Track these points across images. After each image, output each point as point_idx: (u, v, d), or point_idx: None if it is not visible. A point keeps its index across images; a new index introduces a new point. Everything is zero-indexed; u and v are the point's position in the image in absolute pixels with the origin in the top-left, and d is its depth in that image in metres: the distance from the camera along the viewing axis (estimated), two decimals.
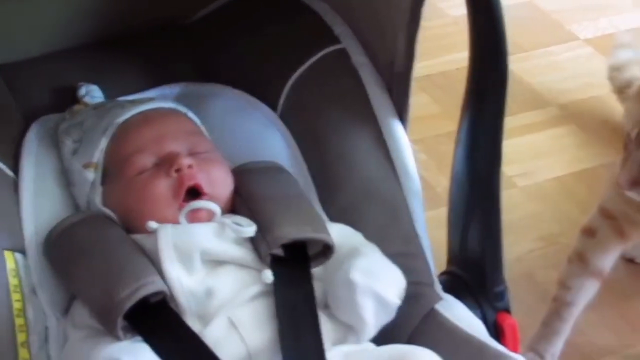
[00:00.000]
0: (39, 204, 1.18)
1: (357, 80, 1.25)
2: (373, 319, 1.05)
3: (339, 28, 1.29)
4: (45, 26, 1.29)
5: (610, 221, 1.45)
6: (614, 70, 1.99)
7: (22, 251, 1.13)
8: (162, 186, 1.13)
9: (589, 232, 1.49)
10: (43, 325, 1.09)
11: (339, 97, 1.26)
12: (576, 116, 2.04)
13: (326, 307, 1.11)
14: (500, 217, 1.17)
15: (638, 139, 1.25)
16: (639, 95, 1.30)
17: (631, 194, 1.29)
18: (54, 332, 1.09)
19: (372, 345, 1.08)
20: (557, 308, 1.50)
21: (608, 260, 1.48)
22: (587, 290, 1.49)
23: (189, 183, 1.12)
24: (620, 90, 1.94)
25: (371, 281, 1.04)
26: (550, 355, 1.51)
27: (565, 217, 1.78)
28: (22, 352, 1.04)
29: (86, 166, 1.19)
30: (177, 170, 1.12)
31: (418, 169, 1.28)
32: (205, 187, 1.14)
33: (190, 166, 1.13)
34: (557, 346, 1.51)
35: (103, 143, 1.19)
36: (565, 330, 1.50)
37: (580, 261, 1.49)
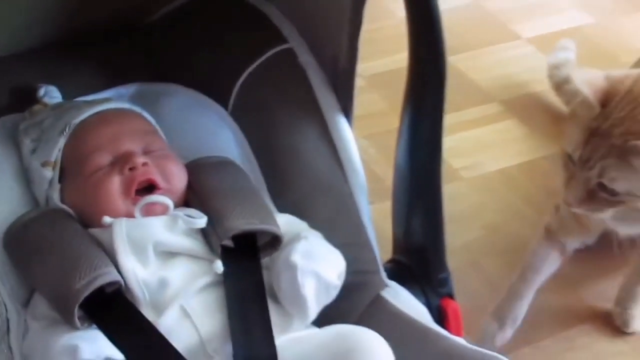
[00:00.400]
0: None
1: (304, 78, 1.25)
2: (314, 299, 1.05)
3: (286, 28, 1.29)
4: (4, 29, 1.28)
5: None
6: (553, 69, 2.02)
7: None
8: (116, 183, 1.14)
9: (557, 210, 1.52)
10: (4, 318, 1.09)
11: (286, 95, 1.27)
12: (519, 111, 2.06)
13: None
14: (442, 206, 1.19)
15: (581, 161, 1.26)
16: (576, 118, 1.30)
17: (579, 211, 1.31)
18: (14, 323, 1.09)
19: (317, 329, 1.09)
20: (524, 272, 1.53)
21: (571, 241, 1.51)
22: (551, 262, 1.53)
23: (141, 179, 1.13)
24: (558, 87, 1.99)
25: (311, 262, 1.06)
26: (512, 320, 1.54)
27: (508, 207, 1.80)
28: None
29: (44, 165, 1.19)
30: (132, 169, 1.13)
31: (368, 163, 1.29)
32: (160, 182, 1.14)
33: (144, 164, 1.14)
34: (519, 311, 1.54)
35: (61, 142, 1.19)
36: (528, 296, 1.53)
37: (549, 233, 1.52)
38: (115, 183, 1.13)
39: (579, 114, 1.29)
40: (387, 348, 1.00)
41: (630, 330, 1.53)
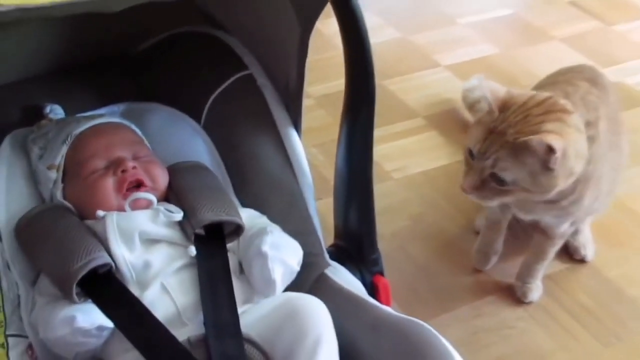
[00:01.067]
0: (11, 198, 1.18)
1: (261, 98, 1.26)
2: (281, 281, 1.07)
3: (247, 57, 1.29)
4: (18, 57, 1.28)
5: None
6: (467, 92, 2.03)
7: None
8: (110, 182, 1.14)
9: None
10: (15, 294, 1.08)
11: (248, 112, 1.27)
12: (438, 124, 2.06)
13: (239, 273, 1.11)
14: (373, 201, 1.20)
15: (479, 153, 1.26)
16: (479, 121, 1.31)
17: (472, 197, 1.31)
18: (24, 299, 1.08)
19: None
20: (489, 224, 1.57)
21: (497, 216, 1.56)
22: (496, 230, 1.58)
23: (131, 179, 1.14)
24: (471, 106, 2.00)
25: (279, 252, 1.06)
26: (494, 252, 1.59)
27: (429, 202, 1.81)
28: None
29: (50, 167, 1.19)
30: (123, 171, 1.14)
31: (316, 167, 1.29)
32: (146, 182, 1.15)
33: (134, 167, 1.14)
34: (497, 246, 1.59)
35: (63, 150, 1.19)
36: (500, 235, 1.58)
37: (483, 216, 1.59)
38: (109, 182, 1.13)
39: (481, 117, 1.31)
40: (324, 309, 1.02)
41: (527, 300, 1.54)
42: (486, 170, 1.25)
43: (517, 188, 1.25)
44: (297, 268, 1.09)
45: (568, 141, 1.22)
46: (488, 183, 1.27)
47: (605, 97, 1.45)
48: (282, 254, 1.07)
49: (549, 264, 1.56)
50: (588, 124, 1.32)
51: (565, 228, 1.47)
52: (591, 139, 1.31)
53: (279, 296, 1.07)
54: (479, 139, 1.26)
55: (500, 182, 1.25)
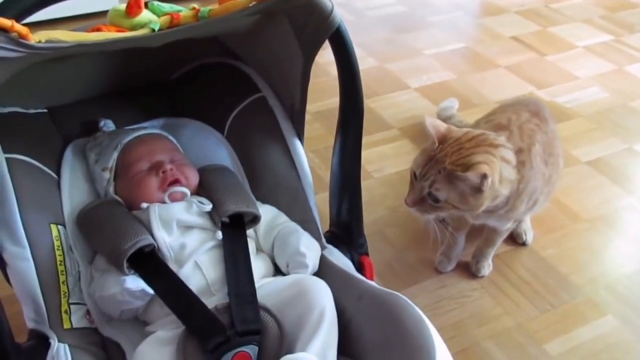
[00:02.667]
0: (73, 194, 1.18)
1: (272, 115, 1.25)
2: (310, 271, 1.09)
3: (260, 83, 1.29)
4: (78, 82, 1.28)
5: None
6: (441, 111, 2.05)
7: (63, 224, 1.12)
8: (153, 181, 1.15)
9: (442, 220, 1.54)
10: (77, 271, 1.09)
11: (261, 126, 1.26)
12: (409, 134, 2.06)
13: (256, 254, 1.11)
14: (360, 195, 1.20)
15: (420, 175, 1.27)
16: (423, 150, 1.31)
17: (412, 210, 1.31)
18: (84, 274, 1.09)
19: (282, 277, 1.11)
20: (451, 232, 1.53)
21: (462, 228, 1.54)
22: (462, 230, 1.55)
23: (171, 178, 1.14)
24: (444, 121, 1.95)
25: (311, 251, 1.10)
26: (455, 255, 1.56)
27: (402, 196, 1.75)
28: (63, 287, 1.04)
29: (104, 170, 1.19)
30: (163, 172, 1.14)
31: (314, 168, 1.29)
32: (182, 180, 1.16)
33: (171, 169, 1.15)
34: (457, 251, 1.56)
35: (115, 155, 1.19)
36: (460, 243, 1.56)
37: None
38: (153, 180, 1.15)
39: (425, 147, 1.31)
40: (327, 289, 1.02)
41: (480, 275, 1.55)
42: (425, 189, 1.25)
43: (448, 205, 1.26)
44: (318, 262, 1.12)
45: (493, 169, 1.23)
46: (426, 200, 1.27)
47: (544, 126, 1.44)
48: (313, 253, 1.11)
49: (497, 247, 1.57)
50: (520, 151, 1.32)
51: (508, 226, 1.48)
52: (521, 163, 1.31)
53: (290, 277, 1.08)
54: (421, 164, 1.27)
55: (435, 200, 1.25)
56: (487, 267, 1.56)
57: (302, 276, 1.07)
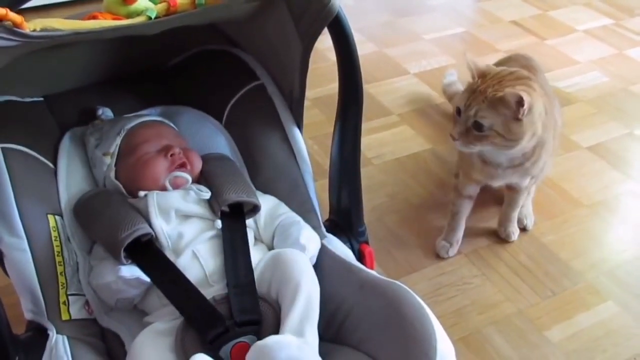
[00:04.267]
0: (70, 184, 1.16)
1: (271, 103, 1.24)
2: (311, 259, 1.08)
3: (259, 70, 1.28)
4: (74, 70, 1.27)
5: (461, 170, 1.53)
6: (446, 87, 2.07)
7: (60, 214, 1.11)
8: (162, 162, 1.14)
9: (456, 176, 1.58)
10: (75, 261, 1.08)
11: (260, 114, 1.25)
12: (408, 120, 2.06)
13: (254, 244, 1.10)
14: (360, 183, 1.19)
15: (465, 106, 1.32)
16: (466, 88, 1.36)
17: (458, 144, 1.35)
18: (82, 265, 1.08)
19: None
20: (453, 214, 1.56)
21: (471, 189, 1.54)
22: (465, 205, 1.56)
23: (179, 161, 1.14)
24: (450, 97, 2.03)
25: (311, 243, 1.09)
26: (455, 241, 1.57)
27: (401, 182, 1.81)
28: (61, 279, 1.03)
29: (105, 154, 1.18)
30: (172, 155, 1.14)
31: (312, 155, 1.28)
32: (187, 165, 1.15)
33: (180, 153, 1.15)
34: (458, 236, 1.58)
35: (117, 140, 1.18)
36: (460, 227, 1.57)
37: (456, 190, 1.56)
38: (161, 162, 1.14)
39: (467, 85, 1.36)
40: (303, 260, 1.04)
41: (511, 240, 1.61)
42: (470, 119, 1.30)
43: (492, 133, 1.30)
44: (316, 254, 1.11)
45: (533, 99, 1.28)
46: (471, 131, 1.31)
47: (538, 78, 1.48)
48: (313, 245, 1.09)
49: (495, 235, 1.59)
50: None
51: (527, 182, 1.51)
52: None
53: (269, 253, 1.08)
54: (466, 97, 1.33)
55: (480, 128, 1.30)
56: (516, 231, 1.61)
57: (276, 251, 1.07)
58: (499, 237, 1.61)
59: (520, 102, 1.24)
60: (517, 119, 1.27)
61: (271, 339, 0.90)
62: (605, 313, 1.42)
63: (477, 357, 1.32)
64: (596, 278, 1.51)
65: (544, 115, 1.33)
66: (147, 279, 1.00)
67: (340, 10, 0.99)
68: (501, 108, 1.27)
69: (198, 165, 1.17)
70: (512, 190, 1.53)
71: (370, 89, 2.17)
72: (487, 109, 1.28)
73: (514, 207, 1.57)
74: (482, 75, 1.33)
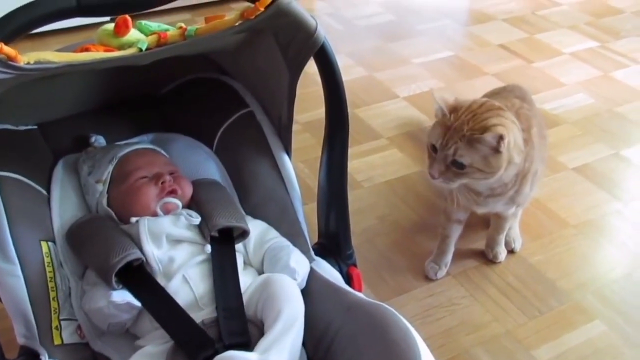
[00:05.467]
0: (63, 210, 1.18)
1: (260, 129, 1.26)
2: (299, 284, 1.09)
3: (248, 98, 1.29)
4: (67, 98, 1.28)
5: (449, 196, 1.53)
6: (438, 111, 2.03)
7: (53, 240, 1.12)
8: (152, 189, 1.16)
9: (446, 199, 1.58)
10: (67, 286, 1.09)
11: (249, 140, 1.26)
12: (397, 143, 2.07)
13: (243, 268, 1.12)
14: (347, 207, 1.21)
15: (441, 145, 1.31)
16: (436, 123, 1.36)
17: (438, 181, 1.34)
18: (74, 290, 1.09)
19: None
20: (443, 237, 1.57)
21: (460, 214, 1.55)
22: (455, 229, 1.57)
23: (169, 188, 1.16)
24: None
25: (301, 267, 1.10)
26: (444, 264, 1.58)
27: (391, 205, 1.82)
28: (53, 304, 1.05)
29: (97, 182, 1.19)
30: (162, 182, 1.16)
31: (303, 178, 1.29)
32: (178, 191, 1.17)
33: (170, 180, 1.16)
34: (447, 259, 1.58)
35: (109, 168, 1.20)
36: (450, 250, 1.58)
37: (446, 214, 1.57)
38: (152, 189, 1.16)
39: (438, 120, 1.36)
40: (293, 283, 1.06)
41: (498, 260, 1.62)
42: (449, 157, 1.30)
43: (472, 170, 1.30)
44: (305, 278, 1.11)
45: (509, 130, 1.29)
46: (450, 168, 1.31)
47: (532, 109, 1.52)
48: (302, 269, 1.11)
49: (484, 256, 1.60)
50: (524, 131, 1.37)
51: (512, 210, 1.52)
52: (525, 142, 1.36)
53: (260, 277, 1.09)
54: (440, 135, 1.31)
55: (460, 166, 1.30)
56: (503, 252, 1.62)
57: (266, 276, 1.08)
58: (487, 258, 1.62)
59: (501, 138, 1.24)
60: (497, 152, 1.27)
61: (228, 353, 0.93)
62: (592, 332, 1.43)
63: None
64: (583, 297, 1.52)
65: (520, 144, 1.33)
66: (138, 304, 1.02)
67: (326, 41, 1.01)
68: (480, 146, 1.27)
69: (188, 191, 1.19)
70: (498, 217, 1.55)
71: (359, 112, 2.19)
72: (465, 148, 1.27)
73: (499, 232, 1.58)
74: (453, 110, 1.32)
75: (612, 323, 1.45)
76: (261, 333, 0.98)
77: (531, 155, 1.39)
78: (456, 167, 1.30)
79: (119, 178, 1.18)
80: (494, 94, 1.64)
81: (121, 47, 0.97)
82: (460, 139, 1.28)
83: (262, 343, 0.94)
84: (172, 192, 1.16)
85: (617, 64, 2.57)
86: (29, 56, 0.85)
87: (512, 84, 1.77)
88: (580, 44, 2.73)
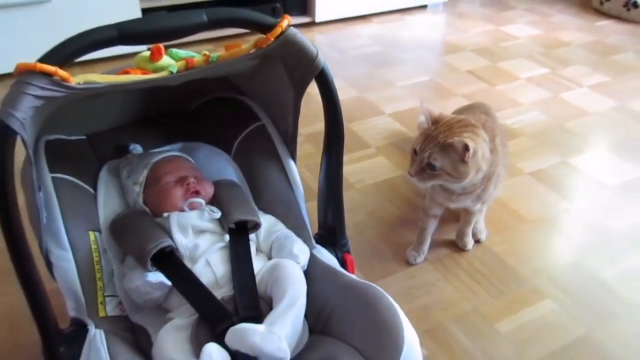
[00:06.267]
0: (106, 206, 1.18)
1: (270, 140, 1.26)
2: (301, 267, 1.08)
3: (260, 113, 1.29)
4: (110, 113, 1.28)
5: (428, 195, 1.52)
6: (420, 124, 2.06)
7: (98, 230, 1.12)
8: (179, 190, 1.15)
9: (424, 198, 1.58)
10: (110, 269, 1.09)
11: (261, 149, 1.26)
12: (383, 152, 2.07)
13: (256, 254, 1.11)
14: (342, 204, 1.20)
15: (420, 149, 1.32)
16: (421, 132, 1.36)
17: (414, 180, 1.35)
18: (116, 271, 1.09)
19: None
20: (421, 230, 1.57)
21: (436, 210, 1.54)
22: (431, 223, 1.57)
23: (193, 189, 1.15)
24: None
25: (302, 253, 1.10)
26: (422, 252, 1.57)
27: (378, 203, 1.81)
28: (99, 283, 1.05)
29: (134, 183, 1.19)
30: (187, 184, 1.15)
31: (305, 180, 1.28)
32: (201, 191, 1.16)
33: (194, 182, 1.15)
34: (424, 247, 1.58)
35: (145, 172, 1.19)
36: (427, 240, 1.57)
37: (424, 210, 1.56)
38: (179, 190, 1.15)
39: (423, 130, 1.36)
40: (297, 267, 1.05)
41: (467, 249, 1.61)
42: (424, 160, 1.30)
43: (443, 172, 1.30)
44: (306, 262, 1.11)
45: (477, 144, 1.29)
46: (425, 170, 1.31)
47: (495, 122, 1.53)
48: (304, 256, 1.10)
49: (455, 245, 1.59)
50: (490, 141, 1.37)
51: (479, 207, 1.52)
52: (491, 150, 1.36)
53: (271, 262, 1.09)
54: (420, 141, 1.32)
55: (433, 168, 1.30)
56: (471, 242, 1.61)
57: (276, 261, 1.08)
58: (457, 247, 1.62)
59: (466, 148, 1.25)
60: (463, 161, 1.28)
61: (240, 326, 0.92)
62: (544, 309, 1.43)
63: (439, 346, 1.33)
64: (537, 281, 1.52)
65: (487, 155, 1.33)
66: (169, 283, 1.02)
67: (325, 66, 1.01)
68: (450, 152, 1.27)
69: (210, 190, 1.18)
70: (466, 212, 1.55)
71: (352, 126, 2.19)
72: (438, 153, 1.28)
73: (467, 225, 1.58)
74: (435, 122, 1.33)
75: (561, 302, 1.45)
76: (270, 308, 0.98)
77: (495, 161, 1.39)
78: (430, 169, 1.30)
79: (152, 181, 1.17)
80: (463, 110, 1.64)
81: (155, 71, 0.97)
82: (435, 145, 1.29)
83: (270, 317, 0.94)
84: (196, 193, 1.15)
85: (565, 87, 2.57)
86: (78, 78, 0.85)
87: (478, 102, 1.77)
88: (534, 70, 2.73)
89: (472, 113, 1.51)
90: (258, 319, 0.96)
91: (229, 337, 0.92)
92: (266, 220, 1.17)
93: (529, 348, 1.32)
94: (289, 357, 0.90)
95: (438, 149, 1.28)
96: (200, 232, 1.10)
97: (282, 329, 0.93)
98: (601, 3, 3.47)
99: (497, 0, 3.73)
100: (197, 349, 0.93)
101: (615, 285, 1.50)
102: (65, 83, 0.82)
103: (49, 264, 1.01)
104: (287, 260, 1.07)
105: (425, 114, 1.34)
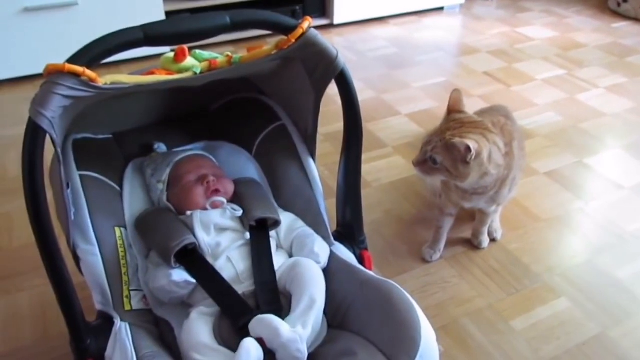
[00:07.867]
0: (132, 203, 1.18)
1: (290, 139, 1.25)
2: (322, 265, 1.08)
3: (281, 113, 1.29)
4: (136, 113, 1.29)
5: (444, 193, 1.49)
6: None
7: (124, 226, 1.12)
8: (200, 189, 1.14)
9: (440, 197, 1.54)
10: (135, 264, 1.09)
11: (281, 148, 1.26)
12: (400, 151, 2.06)
13: (276, 250, 1.11)
14: (361, 202, 1.20)
15: (426, 142, 1.31)
16: (436, 127, 1.34)
17: (417, 170, 1.33)
18: (141, 266, 1.09)
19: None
20: (437, 228, 1.54)
21: (452, 209, 1.52)
22: (447, 221, 1.54)
23: (214, 188, 1.14)
24: None
25: (323, 252, 1.09)
26: (438, 249, 1.56)
27: (394, 201, 1.80)
28: (124, 277, 1.05)
29: (158, 182, 1.19)
30: (207, 182, 1.14)
31: (324, 179, 1.28)
32: (221, 190, 1.15)
33: (214, 181, 1.15)
34: (440, 245, 1.56)
35: (167, 171, 1.20)
36: (443, 238, 1.56)
37: (440, 209, 1.54)
38: (200, 189, 1.14)
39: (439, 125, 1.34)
40: (317, 266, 1.05)
41: (482, 247, 1.59)
42: (427, 153, 1.29)
43: (443, 168, 1.28)
44: (326, 261, 1.10)
45: (482, 147, 1.25)
46: (427, 162, 1.30)
47: (514, 125, 1.49)
48: (324, 254, 1.10)
49: (470, 243, 1.58)
50: (506, 144, 1.34)
51: (494, 208, 1.50)
52: (507, 154, 1.34)
53: (291, 260, 1.09)
54: (429, 134, 1.31)
55: (434, 162, 1.28)
56: (486, 240, 1.59)
57: (296, 259, 1.08)
58: (473, 245, 1.61)
59: (468, 149, 1.21)
60: (465, 162, 1.24)
61: (268, 316, 0.92)
62: (559, 307, 1.41)
63: (454, 342, 1.32)
64: (551, 279, 1.50)
65: (498, 160, 1.30)
66: (194, 281, 1.02)
67: (345, 67, 1.01)
68: (452, 151, 1.24)
69: (230, 188, 1.18)
70: (482, 212, 1.53)
71: (370, 126, 2.19)
72: (441, 148, 1.26)
73: (483, 224, 1.56)
74: (451, 110, 1.31)
75: (575, 300, 1.43)
76: (289, 303, 0.99)
77: (510, 165, 1.36)
78: (432, 162, 1.29)
79: (174, 179, 1.18)
80: (483, 112, 1.61)
81: (179, 71, 0.97)
82: (440, 140, 1.27)
83: (290, 318, 0.94)
84: (216, 191, 1.15)
85: (581, 88, 2.54)
86: (105, 78, 0.86)
87: (498, 104, 1.75)
88: (550, 72, 2.69)
89: (492, 115, 1.49)
90: (278, 312, 0.97)
91: (254, 324, 0.92)
92: (286, 218, 1.16)
93: (544, 345, 1.31)
94: (305, 359, 0.90)
95: (441, 145, 1.26)
96: (221, 229, 1.10)
97: (303, 330, 0.93)
98: (618, 5, 3.41)
99: (514, 3, 3.69)
100: (220, 341, 0.94)
101: (630, 284, 1.48)
102: (92, 83, 0.82)
103: (77, 259, 1.02)
104: (307, 259, 1.07)
105: (450, 102, 1.30)
